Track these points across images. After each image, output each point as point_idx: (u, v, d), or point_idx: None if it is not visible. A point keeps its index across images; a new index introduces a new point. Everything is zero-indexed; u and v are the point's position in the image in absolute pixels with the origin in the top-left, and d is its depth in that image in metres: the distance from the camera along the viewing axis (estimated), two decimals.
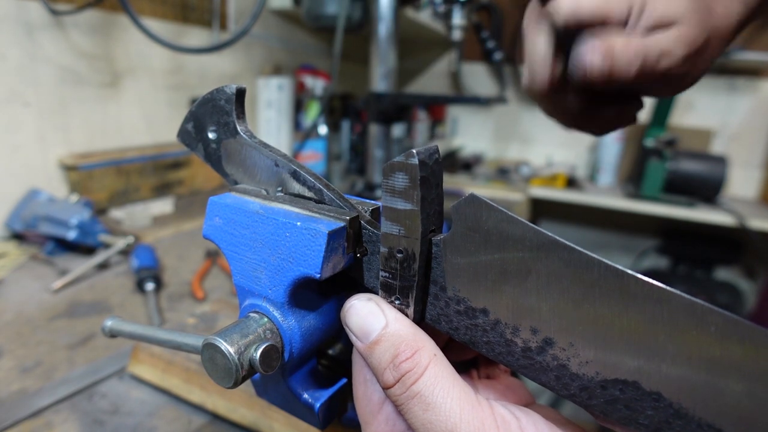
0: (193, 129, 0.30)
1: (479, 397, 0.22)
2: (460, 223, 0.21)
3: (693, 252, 1.94)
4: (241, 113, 0.28)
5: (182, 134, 0.31)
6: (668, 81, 0.35)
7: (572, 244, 0.19)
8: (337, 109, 1.64)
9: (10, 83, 0.85)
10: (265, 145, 0.28)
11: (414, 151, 0.21)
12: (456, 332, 0.23)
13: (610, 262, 0.19)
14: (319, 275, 0.24)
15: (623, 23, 0.34)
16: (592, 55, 0.32)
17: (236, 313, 0.59)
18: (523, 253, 0.20)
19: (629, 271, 0.18)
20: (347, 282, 0.28)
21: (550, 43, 0.36)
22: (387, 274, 0.23)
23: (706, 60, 0.36)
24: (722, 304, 1.37)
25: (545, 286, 0.20)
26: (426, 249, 0.23)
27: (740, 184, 1.92)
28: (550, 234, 0.19)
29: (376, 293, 0.25)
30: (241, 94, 0.28)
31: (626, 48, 0.32)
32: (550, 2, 0.35)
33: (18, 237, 0.84)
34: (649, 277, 0.18)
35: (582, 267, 0.19)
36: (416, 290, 0.23)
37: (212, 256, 0.80)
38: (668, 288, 0.18)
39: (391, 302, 0.24)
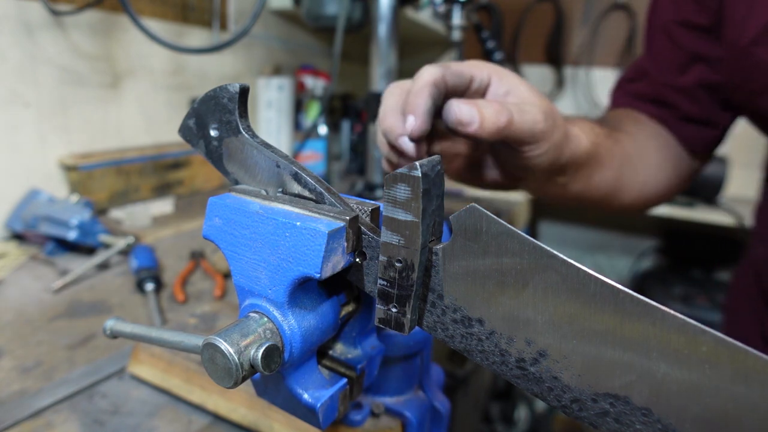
0: (195, 125, 0.30)
1: None
2: (460, 234, 0.22)
3: (693, 252, 1.94)
4: (243, 112, 0.28)
5: (184, 130, 0.31)
6: (532, 141, 0.39)
7: (570, 260, 0.20)
8: (337, 109, 1.64)
9: (10, 83, 0.85)
10: (267, 146, 0.28)
11: (417, 163, 0.21)
12: (452, 340, 0.23)
13: (606, 279, 0.19)
14: (319, 275, 0.24)
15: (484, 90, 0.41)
16: (460, 107, 0.36)
17: (236, 313, 0.59)
18: (521, 265, 0.20)
19: (624, 289, 0.19)
20: (347, 282, 0.28)
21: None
22: (385, 283, 0.24)
23: (553, 149, 0.41)
24: (722, 305, 1.37)
25: (541, 299, 0.20)
26: (425, 259, 0.23)
27: (740, 184, 1.92)
28: (548, 248, 0.20)
29: (375, 298, 0.25)
30: (244, 92, 0.28)
31: (491, 103, 0.37)
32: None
33: (18, 237, 0.84)
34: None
35: (578, 282, 0.20)
36: (413, 299, 0.23)
37: (196, 257, 0.79)
38: (662, 307, 0.18)
39: (388, 310, 0.24)
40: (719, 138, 0.64)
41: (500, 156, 0.46)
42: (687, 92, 0.61)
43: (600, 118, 0.66)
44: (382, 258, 0.23)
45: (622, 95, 0.68)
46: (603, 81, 1.99)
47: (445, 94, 0.38)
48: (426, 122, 0.36)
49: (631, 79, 0.68)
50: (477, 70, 0.41)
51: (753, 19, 0.51)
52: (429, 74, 0.37)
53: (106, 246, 0.78)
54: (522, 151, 0.40)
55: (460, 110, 0.36)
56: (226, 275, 0.74)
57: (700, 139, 0.63)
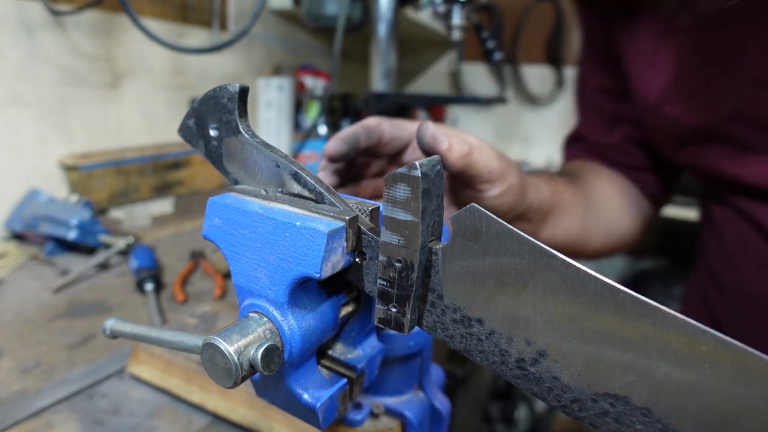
0: (195, 125, 0.30)
1: None
2: (460, 234, 0.22)
3: (693, 252, 1.94)
4: (243, 112, 0.28)
5: (183, 130, 0.31)
6: (488, 180, 0.42)
7: (570, 260, 0.20)
8: (337, 109, 1.64)
9: (10, 83, 0.85)
10: (267, 145, 0.28)
11: (417, 163, 0.21)
12: (451, 340, 0.23)
13: (606, 279, 0.19)
14: (318, 275, 0.24)
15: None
16: (436, 128, 0.40)
17: (236, 313, 0.59)
18: (521, 265, 0.20)
19: (624, 289, 0.19)
20: (346, 282, 0.28)
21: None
22: (385, 283, 0.24)
23: (508, 193, 0.43)
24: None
25: (541, 299, 0.20)
26: (425, 259, 0.23)
27: None
28: (548, 248, 0.20)
29: (374, 298, 0.25)
30: (244, 92, 0.28)
31: (456, 137, 0.41)
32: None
33: (18, 237, 0.84)
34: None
35: (578, 282, 0.19)
36: (413, 299, 0.23)
37: (196, 257, 0.79)
38: (662, 307, 0.18)
39: (388, 310, 0.24)
40: (671, 180, 0.68)
41: (462, 200, 0.48)
42: (620, 148, 0.65)
43: (558, 171, 0.70)
44: (381, 258, 0.23)
45: (571, 151, 0.73)
46: None
47: (379, 139, 0.42)
48: (338, 147, 0.40)
49: (574, 138, 0.72)
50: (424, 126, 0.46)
51: (655, 79, 0.54)
52: (366, 119, 0.42)
53: (106, 246, 0.78)
54: (480, 190, 0.42)
55: (436, 129, 0.40)
56: (226, 275, 0.74)
57: (652, 184, 0.66)
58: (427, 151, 0.40)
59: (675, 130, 0.54)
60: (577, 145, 0.71)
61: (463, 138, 0.43)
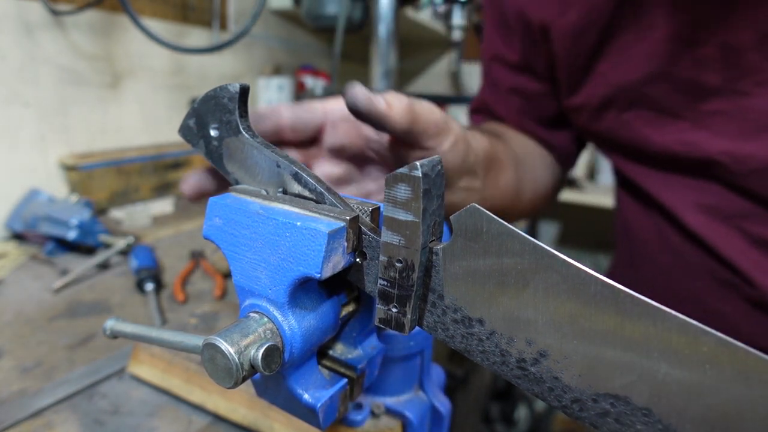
0: (195, 125, 0.30)
1: None
2: (460, 234, 0.22)
3: None
4: (244, 112, 0.28)
5: (184, 130, 0.31)
6: (438, 133, 0.38)
7: (570, 260, 0.20)
8: None
9: (10, 83, 0.85)
10: (267, 146, 0.28)
11: (417, 163, 0.21)
12: (452, 340, 0.23)
13: (606, 279, 0.19)
14: (319, 275, 0.24)
15: None
16: (363, 89, 0.35)
17: (236, 313, 0.59)
18: (522, 265, 0.20)
19: (625, 289, 0.19)
20: (347, 282, 0.28)
21: None
22: (385, 283, 0.24)
23: (453, 151, 0.40)
24: None
25: (542, 299, 0.20)
26: (426, 259, 0.23)
27: None
28: (548, 248, 0.20)
29: (375, 298, 0.25)
30: (244, 92, 0.28)
31: (389, 94, 0.36)
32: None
33: (18, 237, 0.84)
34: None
35: (579, 282, 0.19)
36: (414, 300, 0.23)
37: (196, 257, 0.79)
38: (663, 307, 0.18)
39: (388, 310, 0.24)
40: (576, 144, 0.68)
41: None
42: (516, 122, 0.66)
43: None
44: (382, 258, 0.23)
45: (478, 118, 0.73)
46: None
47: (276, 126, 0.37)
48: (199, 184, 0.37)
49: (477, 108, 0.72)
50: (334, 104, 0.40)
51: (590, 33, 0.51)
52: (259, 107, 0.39)
53: (106, 246, 0.78)
54: (429, 147, 0.38)
55: (366, 90, 0.35)
56: (226, 275, 0.74)
57: (558, 144, 0.66)
58: (363, 116, 0.34)
59: (601, 89, 0.52)
60: (481, 114, 0.71)
61: (395, 94, 0.37)
